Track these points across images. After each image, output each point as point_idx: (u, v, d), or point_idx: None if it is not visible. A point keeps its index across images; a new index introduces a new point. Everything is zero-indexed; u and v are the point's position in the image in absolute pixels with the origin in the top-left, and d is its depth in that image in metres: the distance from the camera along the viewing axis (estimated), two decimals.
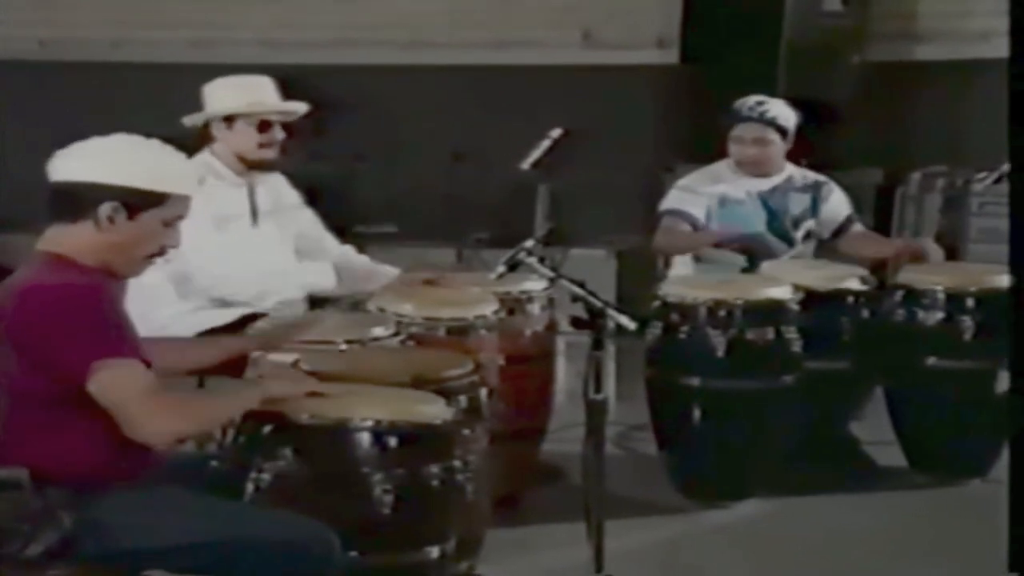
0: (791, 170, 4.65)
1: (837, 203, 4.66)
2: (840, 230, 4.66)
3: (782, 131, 4.55)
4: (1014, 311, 2.43)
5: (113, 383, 2.42)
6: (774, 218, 4.59)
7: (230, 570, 2.49)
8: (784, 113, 4.57)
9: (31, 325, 2.45)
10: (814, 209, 4.64)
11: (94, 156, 2.54)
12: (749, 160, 4.56)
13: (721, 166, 4.63)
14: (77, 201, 2.51)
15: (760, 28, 6.12)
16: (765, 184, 4.59)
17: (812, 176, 4.68)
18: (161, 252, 2.60)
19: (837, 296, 4.33)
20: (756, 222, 4.57)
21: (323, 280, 3.84)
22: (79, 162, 2.54)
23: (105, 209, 2.50)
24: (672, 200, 4.60)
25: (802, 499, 4.15)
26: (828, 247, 4.72)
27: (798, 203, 4.63)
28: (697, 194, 4.56)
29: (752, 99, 4.58)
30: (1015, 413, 2.41)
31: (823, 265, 4.57)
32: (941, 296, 4.31)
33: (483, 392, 3.09)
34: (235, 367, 3.07)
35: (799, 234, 4.63)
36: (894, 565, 3.71)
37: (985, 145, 5.83)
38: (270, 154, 3.87)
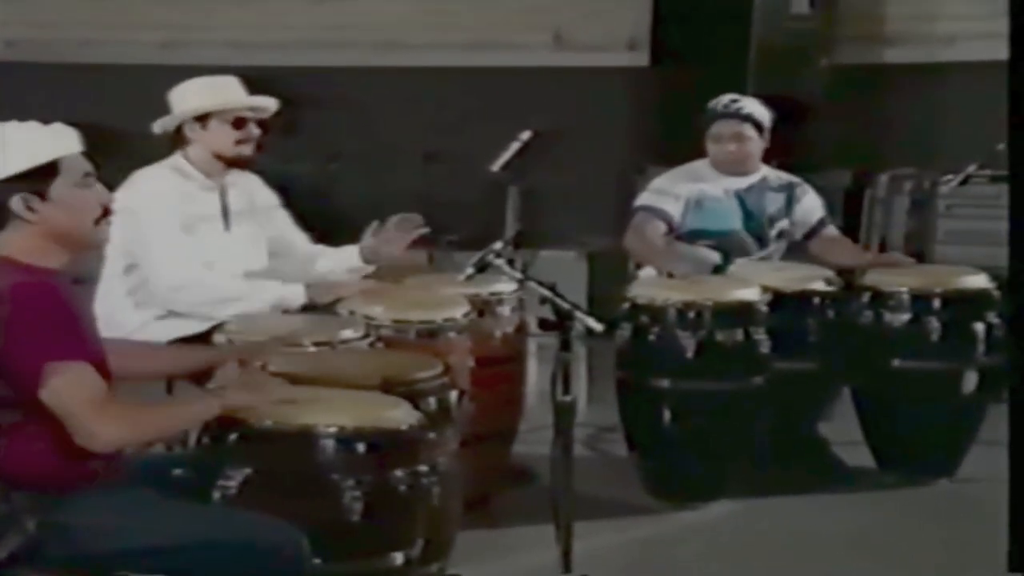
0: (766, 170, 4.66)
1: (810, 204, 4.67)
2: (812, 232, 4.66)
3: (758, 127, 4.56)
4: (1013, 311, 2.43)
5: (61, 390, 2.39)
6: (750, 216, 4.60)
7: (199, 573, 2.46)
8: (759, 110, 4.58)
9: None
10: (788, 209, 4.65)
11: None
12: (728, 157, 4.55)
13: (699, 165, 4.62)
14: None
15: (729, 31, 6.13)
16: (742, 183, 4.60)
17: (786, 177, 4.69)
18: (106, 211, 2.56)
19: (804, 297, 4.33)
20: (732, 219, 4.57)
21: (292, 299, 3.77)
22: None
23: (17, 203, 2.48)
24: (647, 197, 4.59)
25: (772, 500, 4.15)
26: (799, 249, 4.72)
27: (773, 202, 4.63)
28: (674, 192, 4.54)
29: (726, 97, 4.59)
30: (1015, 414, 2.40)
31: (790, 267, 4.57)
32: (907, 297, 4.33)
33: (453, 394, 3.07)
34: (204, 374, 3.03)
35: (773, 233, 4.63)
36: (863, 565, 3.71)
37: (952, 147, 5.88)
38: (247, 150, 3.84)
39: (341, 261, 3.98)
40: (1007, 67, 2.31)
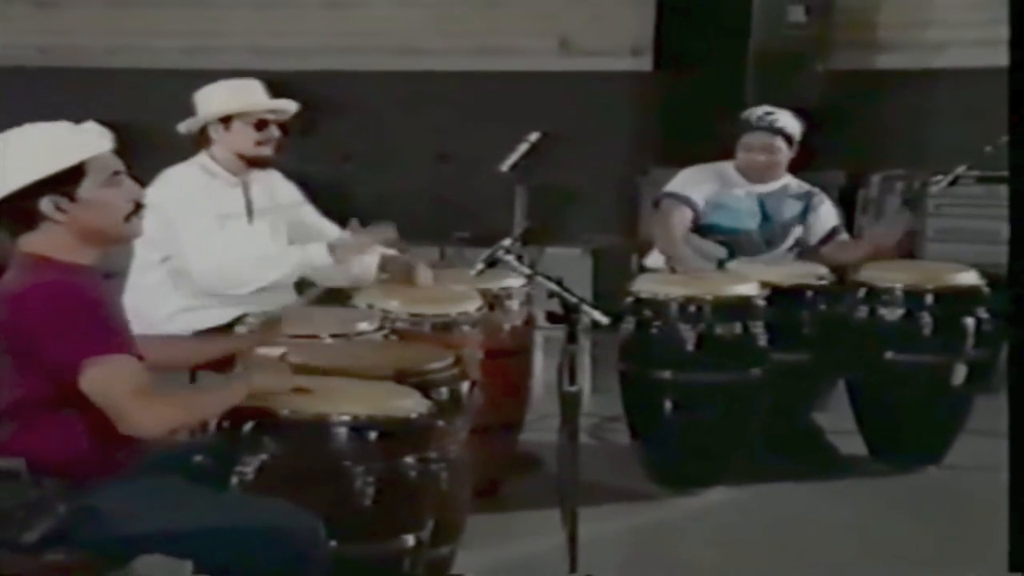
0: (789, 179, 4.65)
1: (826, 214, 4.67)
2: (827, 239, 4.65)
3: (788, 139, 4.55)
4: (1013, 310, 2.41)
5: (104, 380, 2.38)
6: (766, 219, 4.59)
7: (219, 555, 2.46)
8: (791, 123, 4.57)
9: (20, 330, 2.42)
10: (803, 217, 4.64)
11: (2, 168, 2.47)
12: (758, 167, 4.55)
13: (725, 166, 4.62)
14: (21, 212, 2.46)
15: (729, 38, 6.12)
16: (765, 188, 4.59)
17: (806, 186, 4.68)
18: (137, 207, 2.54)
19: (801, 292, 4.33)
20: (748, 220, 4.57)
21: (317, 257, 3.79)
22: None
23: (47, 206, 2.45)
24: (676, 184, 4.58)
25: (768, 486, 4.15)
26: (812, 253, 4.71)
27: (791, 209, 4.63)
28: (700, 184, 4.54)
29: (761, 109, 4.59)
30: (1015, 412, 2.37)
31: (786, 263, 4.57)
32: (900, 293, 4.32)
33: (464, 384, 3.07)
34: (225, 363, 3.04)
35: (786, 238, 4.63)
36: (854, 548, 3.70)
37: (941, 150, 5.86)
38: (267, 150, 3.86)
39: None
40: (1007, 68, 2.29)
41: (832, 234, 4.67)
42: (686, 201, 4.51)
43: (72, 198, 2.46)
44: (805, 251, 4.67)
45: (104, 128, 2.54)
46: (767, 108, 4.60)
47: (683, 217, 4.49)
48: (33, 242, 2.49)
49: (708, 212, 4.53)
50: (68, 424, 2.43)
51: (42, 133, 2.50)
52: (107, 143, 2.53)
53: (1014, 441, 2.37)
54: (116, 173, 2.51)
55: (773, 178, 4.60)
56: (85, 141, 2.50)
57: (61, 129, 2.51)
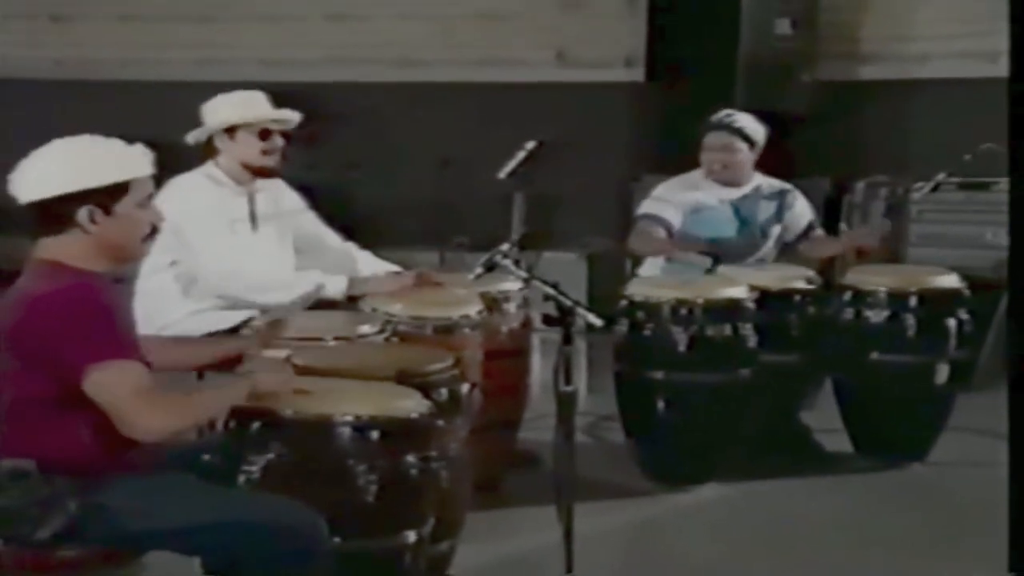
0: (760, 179, 4.62)
1: (801, 210, 4.64)
2: (803, 235, 4.63)
3: (749, 141, 4.52)
4: (1013, 314, 2.39)
5: (106, 383, 2.38)
6: (744, 224, 4.56)
7: (225, 550, 2.45)
8: (751, 125, 4.53)
9: (31, 332, 2.41)
10: (779, 215, 4.61)
11: (53, 170, 2.48)
12: (716, 167, 4.51)
13: (696, 175, 4.59)
14: (56, 215, 2.47)
15: (719, 50, 6.12)
16: (736, 193, 4.56)
17: (778, 184, 4.65)
18: (153, 231, 2.56)
19: (789, 295, 4.31)
20: (726, 227, 4.54)
21: (334, 287, 3.75)
22: (42, 180, 2.48)
23: (84, 214, 2.46)
24: (648, 206, 4.55)
25: (758, 482, 4.14)
26: (789, 250, 4.69)
27: (765, 210, 4.60)
28: (673, 200, 4.51)
29: (722, 112, 4.56)
30: (1015, 414, 2.35)
31: (774, 267, 4.56)
32: (885, 295, 4.31)
33: (463, 385, 3.05)
34: (231, 364, 3.02)
35: (767, 239, 4.60)
36: (843, 543, 3.69)
37: (923, 157, 5.85)
38: (272, 160, 3.84)
39: (380, 267, 3.98)
40: (1008, 74, 2.26)
41: (808, 230, 4.64)
42: (659, 221, 4.47)
43: (108, 211, 2.47)
44: (783, 249, 4.65)
45: (149, 151, 2.55)
46: (728, 111, 4.57)
47: (658, 235, 4.46)
48: (50, 248, 2.49)
49: (685, 226, 4.50)
50: (76, 424, 2.42)
51: (100, 145, 2.52)
52: (150, 166, 2.56)
53: (1014, 441, 2.34)
54: (149, 196, 2.55)
55: (740, 181, 4.56)
56: (136, 161, 2.53)
57: (116, 145, 2.54)
